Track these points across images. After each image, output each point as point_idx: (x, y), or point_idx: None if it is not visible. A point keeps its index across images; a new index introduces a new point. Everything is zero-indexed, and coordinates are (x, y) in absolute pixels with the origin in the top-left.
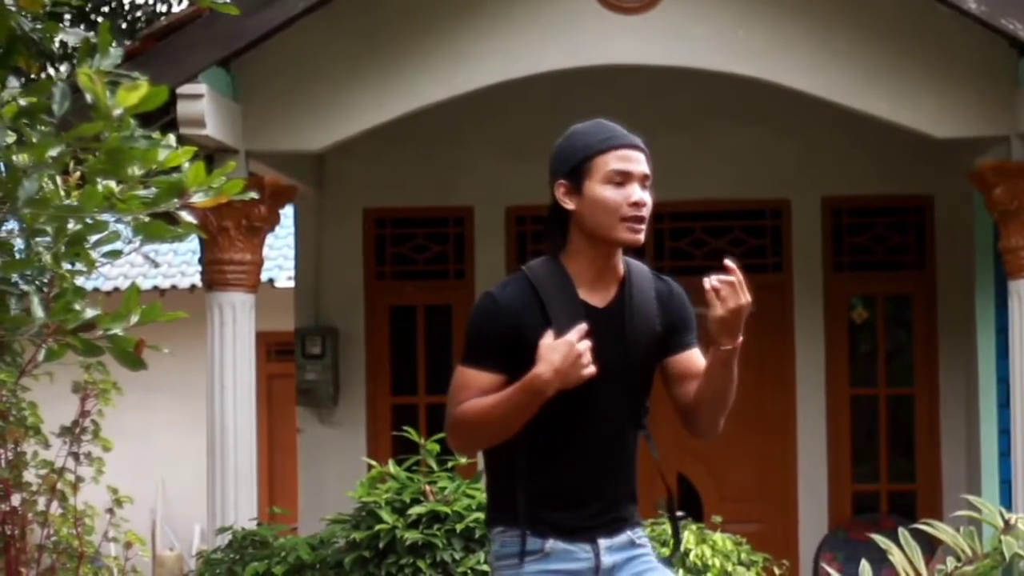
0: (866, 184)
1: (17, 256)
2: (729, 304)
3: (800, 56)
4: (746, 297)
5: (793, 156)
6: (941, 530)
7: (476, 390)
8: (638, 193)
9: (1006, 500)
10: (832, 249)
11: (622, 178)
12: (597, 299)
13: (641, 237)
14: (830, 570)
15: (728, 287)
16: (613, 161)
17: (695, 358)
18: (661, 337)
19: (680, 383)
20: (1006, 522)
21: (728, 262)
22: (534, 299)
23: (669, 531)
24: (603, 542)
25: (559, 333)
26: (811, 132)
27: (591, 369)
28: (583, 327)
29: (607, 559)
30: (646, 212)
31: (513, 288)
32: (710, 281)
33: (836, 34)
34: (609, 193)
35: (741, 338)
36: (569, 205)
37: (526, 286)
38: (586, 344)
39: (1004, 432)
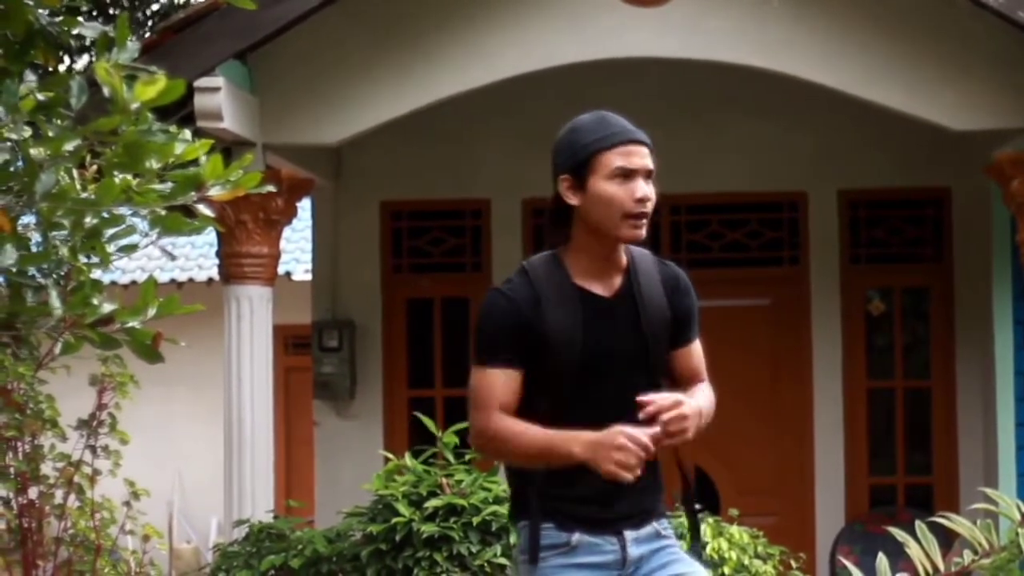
0: (883, 177)
1: (34, 249)
2: (677, 427)
3: (817, 48)
4: (678, 409)
5: (810, 149)
6: (958, 523)
7: (498, 391)
8: (642, 189)
9: (1023, 493)
10: (849, 242)
11: (626, 174)
12: (602, 289)
13: (643, 233)
14: (847, 563)
15: (668, 415)
16: (617, 158)
17: (690, 356)
18: (671, 321)
19: (674, 376)
20: (1023, 515)
21: (640, 400)
22: (534, 294)
23: (686, 523)
24: (629, 534)
25: (554, 328)
26: (828, 125)
27: (627, 476)
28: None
29: (634, 551)
30: (650, 207)
31: (517, 283)
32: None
33: (853, 26)
34: (613, 190)
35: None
36: (573, 200)
37: (527, 281)
38: (630, 439)
39: (1021, 425)
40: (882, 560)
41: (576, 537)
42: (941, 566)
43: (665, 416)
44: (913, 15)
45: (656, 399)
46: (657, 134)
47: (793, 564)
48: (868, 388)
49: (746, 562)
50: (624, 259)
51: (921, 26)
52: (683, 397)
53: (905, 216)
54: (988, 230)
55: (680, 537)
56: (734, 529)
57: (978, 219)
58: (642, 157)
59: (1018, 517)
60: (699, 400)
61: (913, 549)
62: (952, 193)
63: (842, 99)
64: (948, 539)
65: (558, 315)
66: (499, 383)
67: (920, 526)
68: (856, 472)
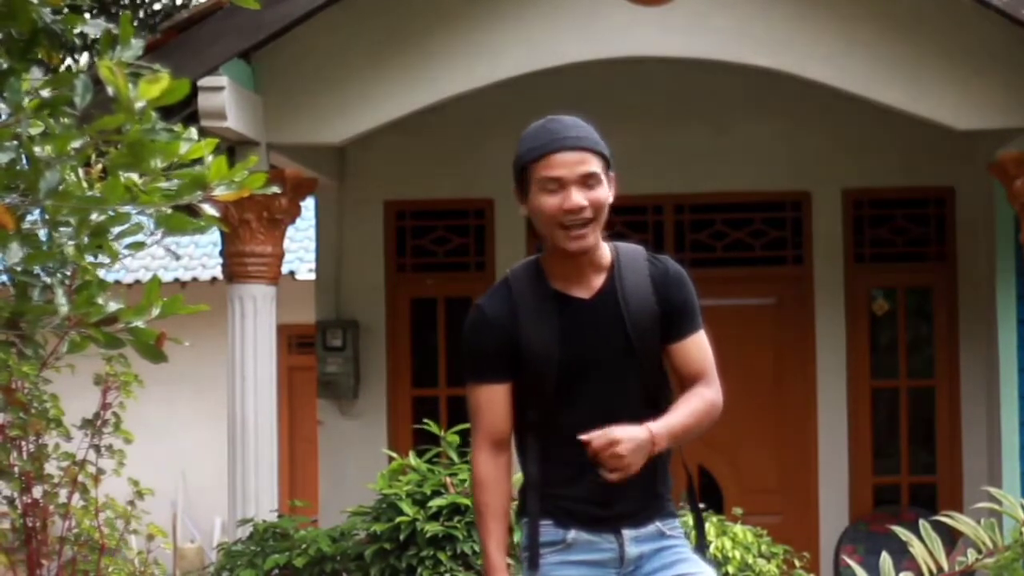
0: (887, 176)
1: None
2: (614, 464)
3: (822, 48)
4: (613, 442)
5: (814, 148)
6: (962, 522)
7: (485, 414)
8: (572, 198)
9: None
10: (853, 241)
11: (556, 185)
12: (581, 291)
13: (584, 243)
14: (851, 562)
15: (604, 454)
16: (544, 169)
17: (690, 352)
18: (661, 317)
19: (676, 373)
20: None
21: (582, 438)
22: (511, 306)
23: (691, 522)
24: (628, 532)
25: (530, 338)
26: (832, 124)
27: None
28: None
29: (632, 549)
30: (589, 213)
31: (498, 296)
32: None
33: (857, 26)
34: (543, 201)
35: (660, 441)
36: (522, 212)
37: (507, 293)
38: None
39: None
40: (886, 559)
41: (572, 534)
42: (945, 565)
43: (602, 456)
44: (917, 15)
45: (594, 437)
46: (661, 133)
47: (797, 563)
48: (872, 387)
49: (750, 561)
50: (608, 258)
51: (925, 25)
52: (621, 434)
53: (909, 215)
54: (992, 229)
55: (686, 536)
56: (738, 528)
57: (982, 218)
58: (573, 165)
59: (1022, 516)
60: (666, 421)
61: (917, 548)
62: (956, 192)
63: (846, 98)
64: (952, 538)
65: (534, 324)
66: (486, 404)
67: (924, 525)
68: (860, 471)
